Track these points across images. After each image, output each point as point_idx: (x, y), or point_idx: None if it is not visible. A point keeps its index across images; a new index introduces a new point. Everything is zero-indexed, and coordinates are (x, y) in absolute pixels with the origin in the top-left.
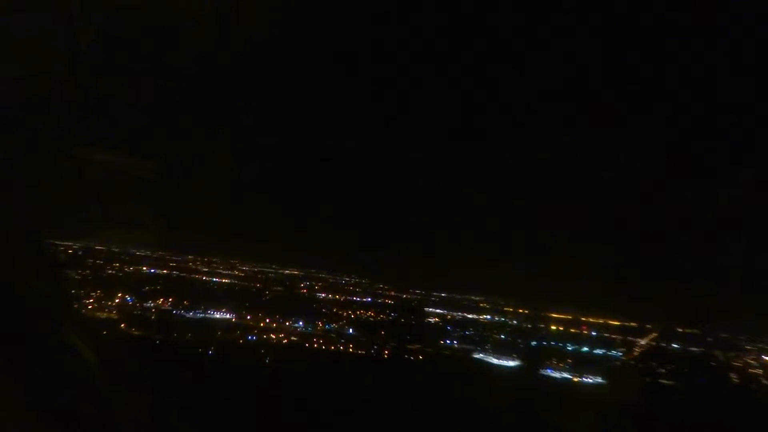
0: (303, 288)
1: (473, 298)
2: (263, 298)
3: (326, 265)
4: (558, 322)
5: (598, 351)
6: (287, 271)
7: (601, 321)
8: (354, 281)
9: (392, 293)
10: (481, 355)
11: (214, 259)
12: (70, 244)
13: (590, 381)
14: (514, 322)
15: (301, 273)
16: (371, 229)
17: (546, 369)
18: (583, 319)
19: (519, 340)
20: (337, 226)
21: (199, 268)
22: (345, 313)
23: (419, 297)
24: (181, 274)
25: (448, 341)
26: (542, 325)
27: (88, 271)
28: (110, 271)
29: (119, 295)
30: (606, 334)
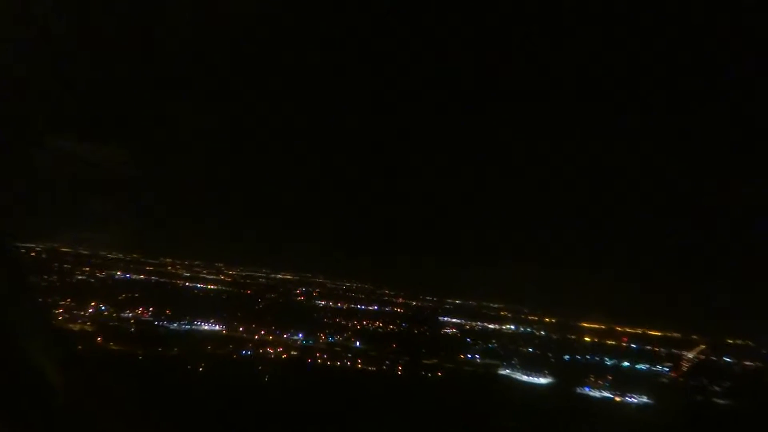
0: (300, 295)
1: (492, 305)
2: (256, 307)
3: (321, 268)
4: (590, 332)
5: (640, 366)
6: (280, 276)
7: (639, 331)
8: (356, 287)
9: (400, 300)
10: (507, 371)
11: (196, 263)
12: (32, 245)
13: (634, 401)
14: (542, 333)
15: (296, 278)
16: (370, 230)
17: (583, 387)
18: (618, 329)
19: (549, 354)
20: (332, 226)
21: (180, 272)
22: (349, 324)
23: (431, 305)
24: (161, 280)
25: (468, 355)
26: (573, 336)
27: (55, 277)
28: (80, 277)
29: (92, 303)
30: (647, 347)
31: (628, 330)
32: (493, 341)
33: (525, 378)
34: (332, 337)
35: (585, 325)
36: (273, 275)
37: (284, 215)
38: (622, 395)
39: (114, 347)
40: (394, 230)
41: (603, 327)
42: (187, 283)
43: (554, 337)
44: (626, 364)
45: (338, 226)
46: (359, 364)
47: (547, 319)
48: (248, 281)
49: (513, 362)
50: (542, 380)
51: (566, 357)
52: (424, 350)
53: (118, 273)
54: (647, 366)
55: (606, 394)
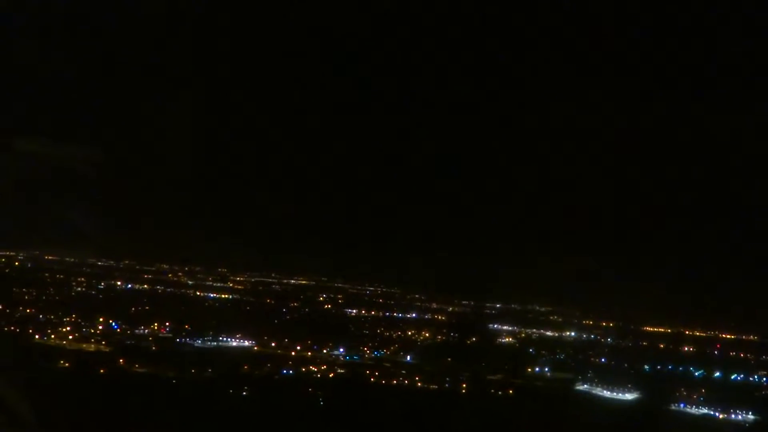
0: (324, 302)
1: (538, 308)
2: (282, 318)
3: (327, 270)
4: (659, 337)
5: (735, 376)
6: (293, 281)
7: (722, 335)
8: (381, 291)
9: (434, 305)
10: (585, 386)
11: (196, 269)
12: (9, 253)
13: (740, 418)
14: (608, 340)
15: (311, 283)
16: (375, 229)
17: (678, 403)
18: (687, 332)
19: (625, 364)
20: (334, 226)
21: (183, 280)
22: (392, 335)
23: (473, 310)
24: (168, 290)
25: (537, 369)
26: (645, 343)
27: (51, 289)
28: (78, 288)
29: (101, 319)
30: (731, 353)
31: (697, 334)
32: (558, 351)
33: (608, 394)
34: (378, 351)
35: (649, 329)
36: (285, 281)
37: (279, 214)
38: (726, 412)
39: (140, 370)
40: (403, 229)
41: (668, 330)
42: (197, 293)
43: (623, 344)
44: (718, 374)
45: (338, 226)
46: (418, 381)
47: (603, 323)
48: (260, 288)
49: (589, 375)
50: (628, 396)
51: (646, 367)
52: (483, 363)
53: (119, 283)
54: (740, 375)
55: (705, 410)
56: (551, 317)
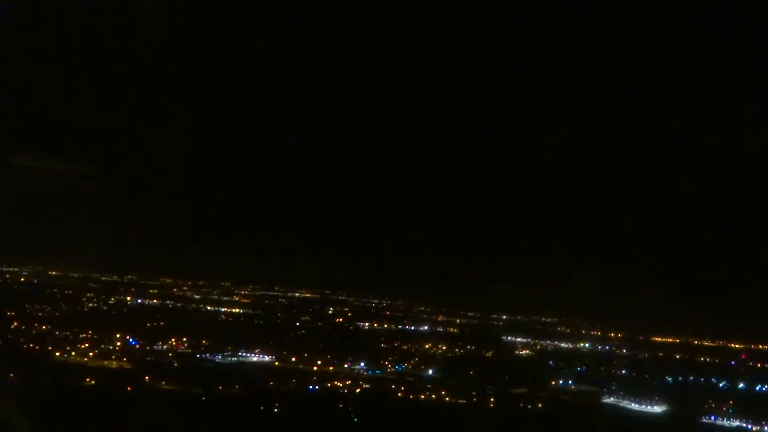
0: (335, 315)
1: (545, 320)
2: (297, 332)
3: (324, 284)
4: (670, 348)
5: (760, 387)
6: (298, 294)
7: (736, 345)
8: (386, 304)
9: (442, 318)
10: (611, 399)
11: (200, 282)
12: (12, 269)
13: None
14: (624, 351)
15: (315, 296)
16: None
17: (708, 415)
18: (696, 342)
19: (646, 376)
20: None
21: (188, 294)
22: (410, 348)
23: (478, 322)
24: (177, 304)
25: (561, 381)
26: (661, 354)
27: (63, 305)
28: (90, 304)
29: (117, 335)
30: (750, 363)
31: (706, 344)
32: (577, 363)
33: (636, 407)
34: (399, 366)
35: (658, 339)
36: (290, 294)
37: (277, 226)
38: (759, 424)
39: (167, 387)
40: (400, 240)
41: (677, 340)
42: (208, 307)
43: (641, 356)
44: (742, 385)
45: (337, 239)
46: (445, 396)
47: (612, 334)
48: (266, 301)
49: (613, 387)
50: (655, 408)
51: (669, 379)
52: (507, 377)
53: (128, 298)
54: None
55: (739, 423)
56: (559, 328)
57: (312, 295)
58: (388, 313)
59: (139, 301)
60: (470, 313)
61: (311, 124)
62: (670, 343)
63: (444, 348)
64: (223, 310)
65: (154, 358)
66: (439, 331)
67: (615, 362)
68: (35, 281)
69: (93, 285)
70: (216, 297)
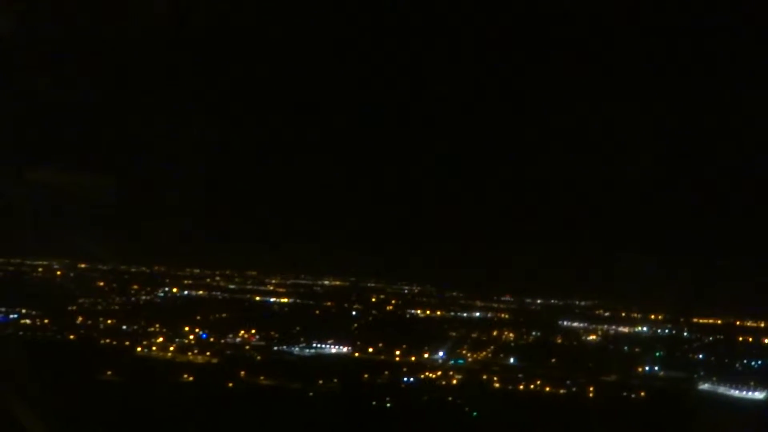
0: (384, 304)
1: (579, 303)
2: (357, 322)
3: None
4: (713, 329)
5: None
6: (327, 282)
7: None
8: (418, 291)
9: (478, 303)
10: (707, 385)
11: (226, 272)
12: (41, 262)
13: None
14: (685, 334)
15: (344, 283)
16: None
17: None
18: (738, 323)
19: (726, 360)
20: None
21: (222, 284)
22: (479, 336)
23: (516, 307)
24: (223, 295)
25: (647, 368)
26: (720, 336)
27: (117, 298)
28: (144, 297)
29: (186, 329)
30: None
31: (749, 324)
32: (650, 348)
33: (737, 393)
34: (477, 354)
35: (701, 321)
36: (319, 282)
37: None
38: None
39: (266, 382)
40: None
41: (718, 322)
42: (257, 298)
43: (711, 338)
44: None
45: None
46: (544, 386)
47: (652, 316)
48: (301, 290)
49: (701, 373)
50: (758, 395)
51: (753, 363)
52: (590, 365)
53: (174, 290)
54: None
55: None
56: (595, 312)
57: (341, 283)
58: (423, 299)
59: (186, 292)
60: (503, 298)
61: (331, 112)
62: (714, 324)
63: (510, 335)
64: (271, 300)
65: (231, 351)
66: (488, 317)
67: (685, 346)
68: (71, 275)
69: (126, 277)
70: (251, 287)
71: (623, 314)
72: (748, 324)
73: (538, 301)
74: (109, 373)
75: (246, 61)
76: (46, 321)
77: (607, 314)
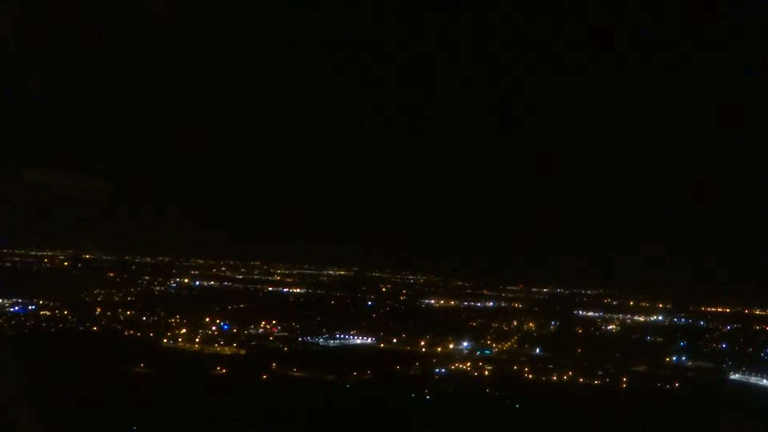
0: (397, 294)
1: (586, 292)
2: (375, 312)
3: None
4: (728, 318)
5: None
6: (332, 272)
7: None
8: (423, 280)
9: (489, 293)
10: (737, 375)
11: (231, 262)
12: (48, 252)
13: None
14: (702, 324)
15: (349, 273)
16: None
17: None
18: (747, 311)
19: (750, 349)
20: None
21: (229, 274)
22: (502, 326)
23: (526, 296)
24: (236, 286)
25: (674, 358)
26: (738, 325)
27: (134, 289)
28: (158, 288)
29: (207, 319)
30: None
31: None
32: (679, 337)
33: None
34: (501, 345)
35: (711, 309)
36: (325, 272)
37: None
38: None
39: (299, 374)
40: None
41: (729, 310)
42: (270, 288)
43: (729, 327)
44: None
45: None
46: (577, 377)
47: (668, 306)
48: (309, 280)
49: (729, 364)
50: None
51: None
52: (618, 354)
53: (186, 281)
54: None
55: None
56: (605, 301)
57: (346, 273)
58: (432, 289)
59: (197, 283)
60: (509, 287)
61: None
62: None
63: (531, 326)
64: (285, 290)
65: (256, 342)
66: (503, 306)
67: (706, 335)
68: (79, 265)
69: (135, 268)
70: (258, 277)
71: (631, 303)
72: (757, 312)
73: (544, 290)
74: (141, 365)
75: (247, 60)
76: (65, 312)
77: (615, 303)
